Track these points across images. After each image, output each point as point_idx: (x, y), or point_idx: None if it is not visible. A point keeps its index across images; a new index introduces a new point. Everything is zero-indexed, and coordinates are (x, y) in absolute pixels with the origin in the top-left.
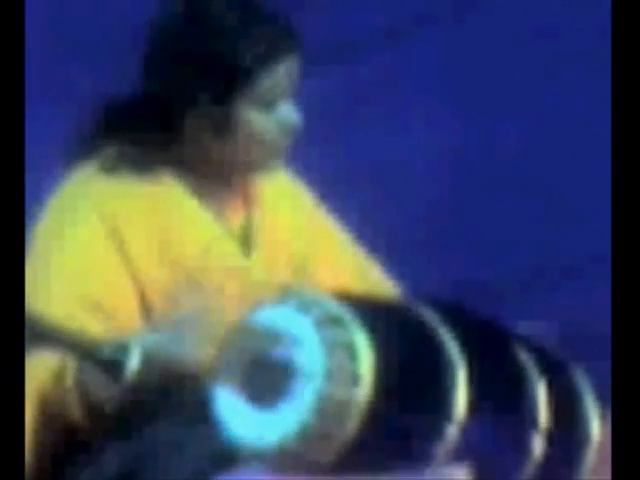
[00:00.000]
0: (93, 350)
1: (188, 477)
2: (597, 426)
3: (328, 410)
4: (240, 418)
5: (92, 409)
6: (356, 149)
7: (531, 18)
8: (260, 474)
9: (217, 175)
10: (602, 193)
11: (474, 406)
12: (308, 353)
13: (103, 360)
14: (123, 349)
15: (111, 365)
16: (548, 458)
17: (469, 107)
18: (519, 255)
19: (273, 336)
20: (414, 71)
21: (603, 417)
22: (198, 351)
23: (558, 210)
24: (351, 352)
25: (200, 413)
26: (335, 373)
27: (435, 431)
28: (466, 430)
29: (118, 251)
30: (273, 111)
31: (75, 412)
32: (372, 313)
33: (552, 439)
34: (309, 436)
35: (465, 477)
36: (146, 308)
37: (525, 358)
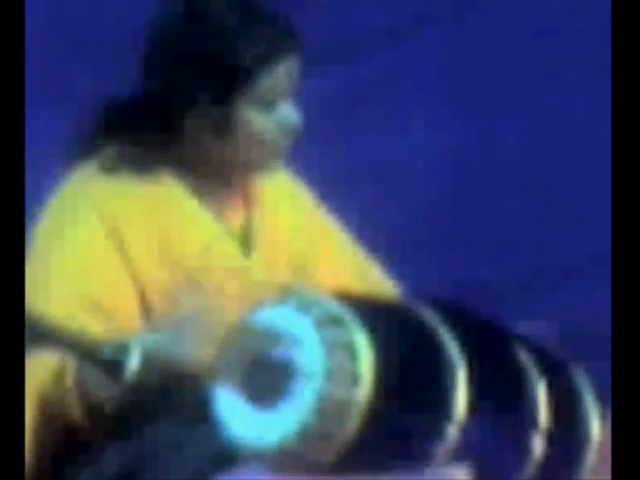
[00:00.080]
0: (93, 350)
1: (188, 477)
2: (597, 426)
3: (328, 410)
4: (240, 418)
5: (92, 409)
6: (356, 149)
7: (531, 18)
8: (260, 474)
9: (217, 175)
10: (602, 193)
11: (474, 406)
12: (308, 353)
13: (103, 360)
14: (123, 349)
15: (111, 365)
16: (548, 458)
17: (469, 107)
18: (519, 255)
19: (273, 336)
20: (414, 71)
21: (603, 417)
22: (198, 351)
23: (558, 210)
24: (351, 352)
25: (200, 413)
26: (335, 373)
27: (435, 431)
28: (466, 430)
29: (118, 251)
30: (273, 111)
31: (75, 412)
32: (372, 313)
33: (552, 439)
34: (309, 436)
35: (465, 477)
36: (146, 308)
37: (525, 358)
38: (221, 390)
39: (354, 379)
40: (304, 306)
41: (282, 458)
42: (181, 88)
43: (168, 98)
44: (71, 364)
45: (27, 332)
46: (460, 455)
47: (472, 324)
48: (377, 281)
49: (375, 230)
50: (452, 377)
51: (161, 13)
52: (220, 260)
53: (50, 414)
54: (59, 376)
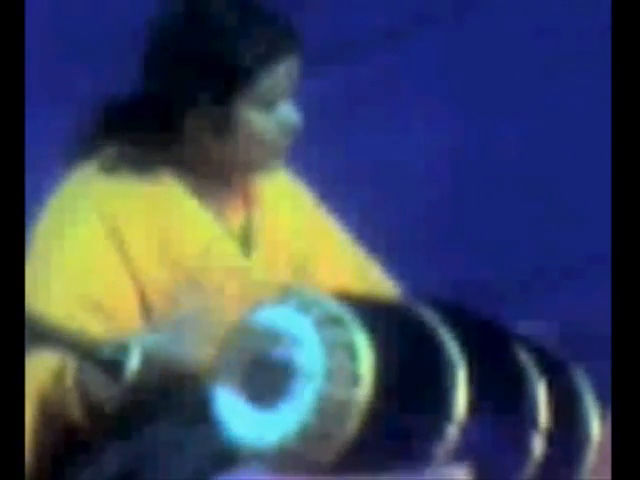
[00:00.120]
0: (93, 350)
1: (188, 477)
2: (597, 426)
3: (328, 410)
4: (240, 418)
5: (92, 409)
6: (356, 149)
7: (531, 18)
8: (260, 474)
9: (217, 175)
10: (602, 193)
11: (474, 406)
12: (308, 353)
13: (103, 360)
14: (123, 349)
15: (111, 365)
16: (548, 458)
17: (469, 107)
18: (519, 255)
19: (273, 336)
20: (414, 71)
21: (603, 417)
22: (198, 351)
23: (558, 210)
24: (351, 352)
25: (200, 413)
26: (335, 373)
27: (435, 431)
28: (466, 430)
29: (118, 251)
30: (273, 111)
31: (75, 412)
32: (372, 313)
33: (552, 439)
34: (309, 436)
35: (465, 477)
36: (146, 308)
37: (525, 358)
38: (221, 390)
39: (354, 379)
40: (304, 306)
41: (282, 458)
42: (181, 88)
43: (168, 98)
44: (71, 364)
45: (27, 332)
46: (460, 455)
47: (472, 324)
48: (377, 281)
49: (375, 230)
50: (452, 377)
51: (161, 13)
52: (220, 260)
53: (50, 414)
54: (59, 376)
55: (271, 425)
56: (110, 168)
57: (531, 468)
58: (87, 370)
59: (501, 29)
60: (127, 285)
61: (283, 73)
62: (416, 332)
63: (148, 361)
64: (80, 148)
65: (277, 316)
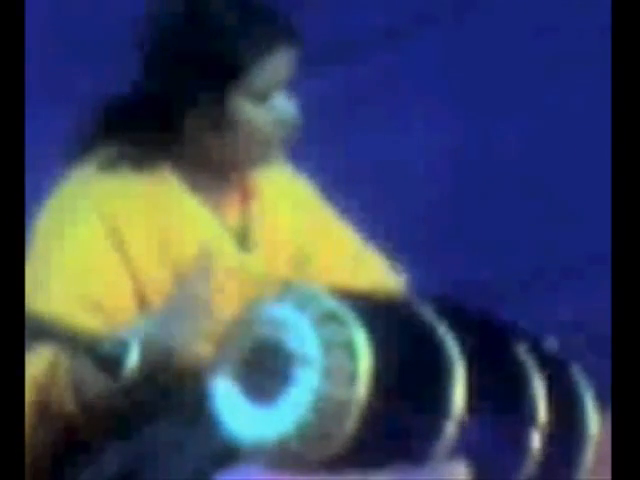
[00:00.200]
0: (91, 346)
1: (188, 477)
2: (596, 425)
3: (326, 408)
4: (239, 416)
5: (86, 404)
6: (356, 149)
7: (531, 18)
8: (259, 472)
9: (215, 171)
10: (602, 193)
11: (473, 405)
12: (306, 351)
13: (101, 356)
14: (122, 345)
15: (110, 361)
16: (547, 457)
17: (469, 107)
18: (519, 255)
19: (271, 333)
20: (414, 71)
21: (603, 417)
22: (194, 341)
23: (558, 210)
24: (350, 350)
25: (200, 413)
26: (333, 371)
27: (434, 430)
28: (465, 429)
29: (118, 251)
30: (269, 104)
31: (69, 407)
32: (371, 311)
33: (551, 438)
34: (308, 434)
35: (464, 476)
36: (146, 308)
37: (524, 357)
38: (220, 388)
39: (352, 377)
40: (302, 303)
41: (281, 456)
42: (180, 87)
43: (168, 97)
44: (64, 359)
45: (26, 328)
46: (459, 454)
47: (472, 323)
48: (379, 278)
49: (375, 230)
50: (451, 376)
51: (161, 13)
52: (218, 258)
53: (44, 410)
54: (52, 371)
55: (270, 423)
56: (110, 168)
57: (530, 467)
58: (81, 365)
59: (501, 29)
60: (127, 285)
61: (278, 65)
62: (415, 331)
63: (146, 354)
64: (80, 148)
65: (275, 313)
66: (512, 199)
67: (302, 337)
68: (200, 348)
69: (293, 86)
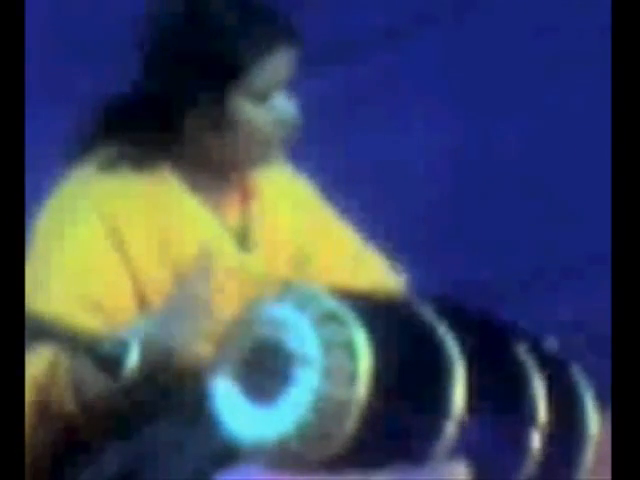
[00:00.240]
0: (91, 345)
1: (188, 477)
2: (596, 425)
3: (326, 408)
4: (239, 416)
5: (86, 404)
6: (356, 149)
7: (531, 18)
8: (259, 473)
9: (215, 170)
10: (602, 193)
11: (473, 405)
12: (306, 351)
13: (102, 356)
14: (122, 345)
15: (110, 361)
16: (547, 457)
17: (469, 107)
18: (519, 255)
19: (270, 333)
20: (414, 71)
21: (603, 417)
22: (193, 340)
23: (558, 210)
24: (350, 350)
25: (200, 413)
26: (333, 371)
27: (434, 430)
28: (465, 429)
29: (118, 251)
30: (268, 103)
31: (69, 407)
32: (371, 311)
33: (551, 438)
34: (307, 434)
35: (464, 476)
36: (146, 308)
37: (524, 357)
38: (220, 388)
39: (352, 377)
40: (302, 303)
41: (281, 456)
42: (180, 87)
43: (168, 97)
44: (64, 359)
45: (26, 328)
46: (459, 454)
47: (472, 323)
48: (379, 278)
49: (375, 230)
50: (451, 376)
51: (161, 13)
52: (218, 258)
53: (44, 410)
54: (52, 371)
55: (270, 423)
56: (110, 168)
57: (530, 467)
58: (81, 365)
59: (501, 29)
60: (127, 285)
61: (278, 65)
62: (415, 331)
63: (146, 354)
64: (80, 148)
65: (275, 313)
66: (512, 199)
67: (302, 337)
68: (200, 348)
69: (293, 86)
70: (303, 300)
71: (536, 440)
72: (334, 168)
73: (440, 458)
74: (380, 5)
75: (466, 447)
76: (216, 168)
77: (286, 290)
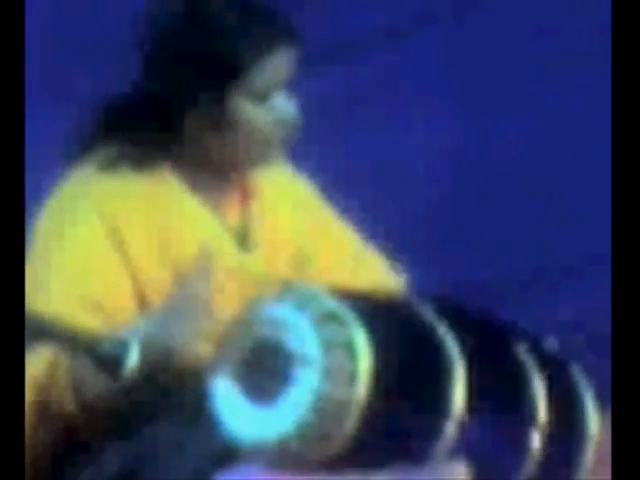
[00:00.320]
0: (91, 345)
1: (188, 477)
2: (596, 425)
3: (326, 408)
4: (239, 416)
5: (86, 404)
6: (356, 149)
7: (531, 18)
8: (259, 473)
9: (215, 170)
10: (602, 193)
11: (473, 405)
12: (306, 351)
13: (102, 356)
14: (122, 345)
15: (110, 361)
16: (547, 457)
17: (469, 107)
18: (519, 255)
19: (270, 333)
20: (414, 71)
21: (603, 417)
22: (194, 341)
23: (558, 210)
24: (350, 350)
25: (200, 413)
26: (333, 371)
27: (434, 430)
28: (465, 429)
29: (118, 251)
30: (268, 103)
31: (68, 407)
32: (371, 311)
33: (551, 438)
34: (307, 434)
35: (464, 476)
36: (146, 308)
37: (524, 357)
38: (220, 388)
39: (352, 377)
40: (302, 303)
41: (281, 456)
42: (180, 87)
43: (168, 98)
44: (64, 359)
45: (26, 328)
46: (459, 454)
47: (472, 323)
48: (379, 278)
49: (375, 230)
50: (451, 376)
51: (161, 13)
52: (218, 258)
53: (44, 410)
54: (52, 371)
55: (270, 423)
56: (110, 168)
57: (530, 467)
58: (81, 365)
59: (501, 29)
60: (127, 285)
61: (278, 65)
62: (415, 331)
63: (146, 354)
64: (80, 148)
65: (275, 313)
66: (512, 199)
67: (302, 337)
68: (200, 348)
69: (293, 86)
70: (303, 300)
71: (536, 440)
72: (334, 168)
73: (440, 458)
74: (380, 5)
75: (466, 447)
76: (216, 168)
77: (286, 290)
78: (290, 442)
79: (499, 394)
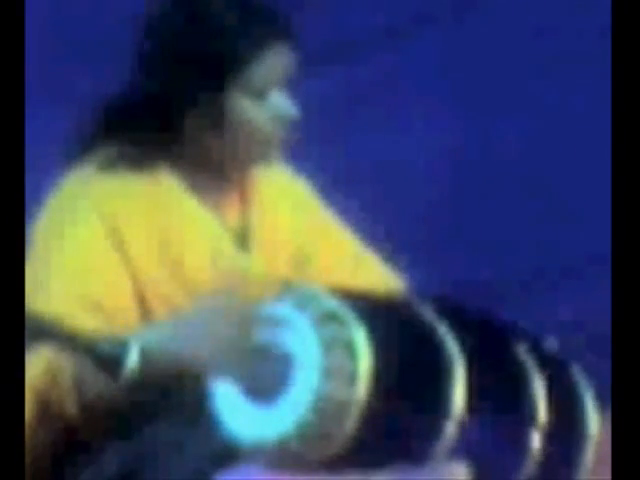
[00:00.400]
0: (92, 346)
1: (188, 477)
2: (596, 425)
3: (326, 408)
4: (239, 416)
5: (87, 405)
6: (356, 149)
7: (531, 18)
8: (259, 473)
9: (214, 170)
10: (602, 193)
11: (473, 405)
12: (306, 350)
13: (102, 356)
14: (122, 345)
15: (110, 361)
16: (547, 457)
17: (469, 107)
18: (519, 255)
19: (271, 333)
20: (414, 71)
21: (603, 417)
22: (197, 349)
23: (558, 210)
24: (350, 350)
25: (200, 413)
26: (333, 371)
27: (434, 430)
28: (465, 429)
29: (118, 251)
30: (266, 101)
31: (70, 408)
32: (371, 311)
33: (551, 438)
34: (307, 434)
35: (464, 476)
36: (146, 308)
37: (524, 357)
38: (220, 388)
39: (352, 377)
40: (303, 303)
41: (281, 456)
42: (178, 85)
43: (167, 97)
44: (66, 360)
45: (26, 328)
46: (459, 454)
47: (472, 323)
48: (378, 279)
49: (375, 230)
50: (451, 376)
51: (160, 12)
52: (219, 258)
53: (45, 410)
54: (54, 372)
55: (269, 423)
56: (110, 168)
57: (530, 467)
58: (83, 366)
59: (501, 29)
60: (127, 285)
61: (275, 63)
62: (415, 331)
63: (147, 358)
64: (80, 148)
65: (275, 313)
66: (512, 199)
67: (302, 337)
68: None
69: (293, 86)
70: (303, 300)
71: (536, 440)
72: (334, 168)
73: (440, 458)
74: (380, 5)
75: (466, 447)
76: (216, 168)
77: (286, 290)
78: (290, 442)
79: (499, 394)
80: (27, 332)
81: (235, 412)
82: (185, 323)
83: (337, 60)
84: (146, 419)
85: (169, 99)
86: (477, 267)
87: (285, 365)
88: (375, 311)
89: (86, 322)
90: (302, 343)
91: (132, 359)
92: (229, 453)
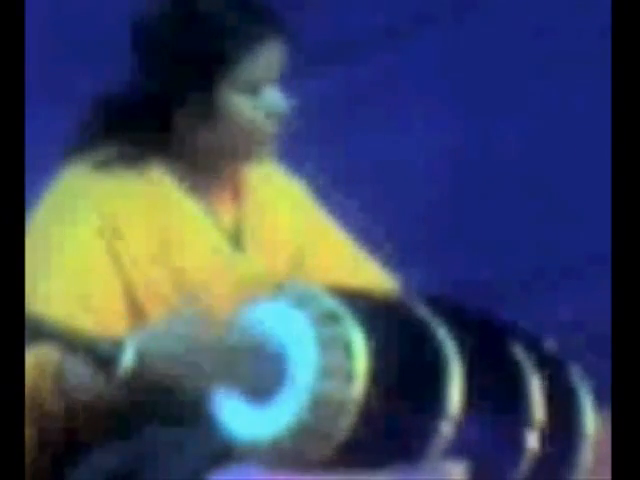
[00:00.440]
0: (88, 346)
1: (188, 477)
2: (594, 424)
3: (323, 407)
4: (237, 416)
5: (72, 405)
6: (356, 149)
7: (531, 18)
8: (257, 472)
9: (207, 167)
10: (602, 193)
11: (471, 404)
12: (303, 350)
13: (97, 356)
14: (118, 346)
15: (105, 361)
16: (545, 456)
17: (469, 107)
18: (519, 255)
19: (268, 332)
20: (414, 71)
21: (603, 417)
22: (193, 351)
23: (558, 210)
24: (347, 349)
25: (200, 413)
26: (331, 370)
27: (432, 429)
28: (463, 428)
29: (118, 251)
30: (258, 96)
31: (53, 407)
32: (369, 310)
33: (549, 438)
34: (304, 433)
35: (462, 476)
36: (144, 308)
37: (522, 356)
38: (218, 388)
39: (350, 376)
40: (300, 302)
41: (278, 455)
42: (173, 85)
43: (163, 96)
44: (52, 359)
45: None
46: (457, 453)
47: (469, 322)
48: (375, 278)
49: (375, 230)
50: (449, 375)
51: (153, 11)
52: (213, 257)
53: (33, 410)
54: (39, 371)
55: (267, 422)
56: (107, 167)
57: (527, 466)
58: (71, 365)
59: (501, 29)
60: (126, 285)
61: (267, 57)
62: (414, 330)
63: (143, 359)
64: (80, 148)
65: (272, 312)
66: (512, 199)
67: (300, 336)
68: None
69: (293, 86)
70: (301, 299)
71: (534, 440)
72: (334, 168)
73: (438, 458)
74: (380, 5)
75: (464, 447)
76: (211, 166)
77: (284, 289)
78: (287, 441)
79: (497, 394)
80: (26, 332)
81: (233, 411)
82: (180, 326)
83: (337, 60)
84: (146, 419)
85: (164, 97)
86: (477, 267)
87: (283, 364)
88: (373, 311)
89: (85, 322)
90: (300, 342)
91: (127, 359)
92: (229, 453)
